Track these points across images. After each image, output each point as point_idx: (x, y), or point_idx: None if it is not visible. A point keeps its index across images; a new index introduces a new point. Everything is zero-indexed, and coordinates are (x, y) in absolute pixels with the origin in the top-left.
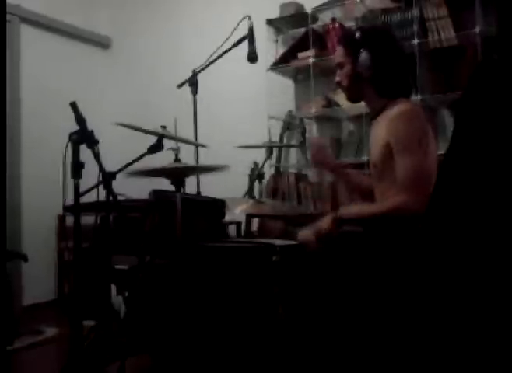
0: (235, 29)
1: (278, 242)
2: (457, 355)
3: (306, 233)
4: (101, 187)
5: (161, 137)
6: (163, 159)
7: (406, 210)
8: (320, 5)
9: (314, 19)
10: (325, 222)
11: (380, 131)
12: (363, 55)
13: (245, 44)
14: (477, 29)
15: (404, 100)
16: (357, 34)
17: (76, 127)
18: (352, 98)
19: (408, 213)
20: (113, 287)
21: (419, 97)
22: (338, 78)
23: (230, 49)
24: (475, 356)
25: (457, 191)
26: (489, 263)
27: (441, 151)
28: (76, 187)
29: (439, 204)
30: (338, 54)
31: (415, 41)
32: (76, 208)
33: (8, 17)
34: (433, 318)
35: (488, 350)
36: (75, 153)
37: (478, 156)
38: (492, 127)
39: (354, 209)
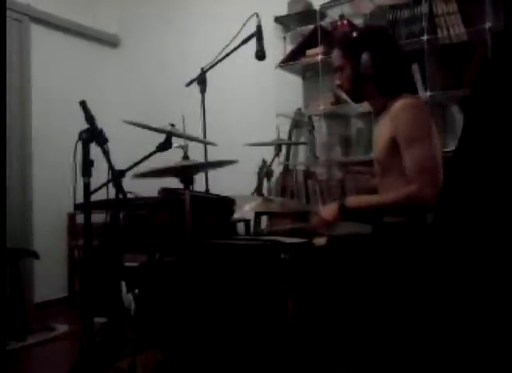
0: (243, 26)
1: (287, 239)
2: (471, 354)
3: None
4: (111, 185)
5: (170, 135)
6: (172, 157)
7: (418, 199)
8: (328, 2)
9: (323, 15)
10: (330, 212)
11: (384, 127)
12: (364, 56)
13: (253, 42)
14: (487, 25)
15: (405, 95)
16: (354, 36)
17: (86, 126)
18: (356, 99)
19: (420, 201)
20: (124, 285)
21: (428, 94)
22: (338, 82)
23: (238, 47)
24: (486, 355)
25: (466, 188)
26: (502, 262)
27: (451, 148)
28: (86, 185)
29: (448, 202)
30: (337, 58)
31: (425, 37)
32: (86, 206)
33: (18, 17)
34: (445, 320)
35: (496, 349)
36: (85, 151)
37: (487, 153)
38: (502, 124)
39: (362, 199)
